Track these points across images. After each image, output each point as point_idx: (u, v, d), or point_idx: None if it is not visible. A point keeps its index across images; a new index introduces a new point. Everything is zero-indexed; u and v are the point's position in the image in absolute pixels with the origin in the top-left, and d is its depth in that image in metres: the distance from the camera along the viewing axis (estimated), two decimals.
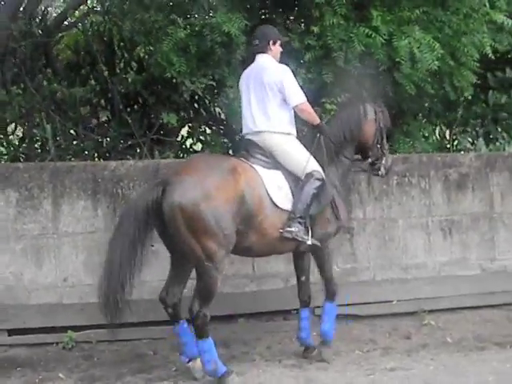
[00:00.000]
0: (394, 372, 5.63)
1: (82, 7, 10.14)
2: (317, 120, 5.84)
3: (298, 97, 5.69)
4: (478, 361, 5.87)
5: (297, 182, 5.63)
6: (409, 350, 6.23)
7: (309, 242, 5.57)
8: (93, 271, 6.53)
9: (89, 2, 10.03)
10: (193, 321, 5.30)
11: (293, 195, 5.59)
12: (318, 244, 5.65)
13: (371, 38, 7.01)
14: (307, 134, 6.03)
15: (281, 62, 5.87)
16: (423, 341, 6.51)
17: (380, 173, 6.27)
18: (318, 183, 5.58)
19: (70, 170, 6.70)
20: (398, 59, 7.06)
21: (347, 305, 6.78)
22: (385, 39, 7.01)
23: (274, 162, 5.67)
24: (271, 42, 5.82)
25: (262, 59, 5.81)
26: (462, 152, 9.05)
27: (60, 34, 9.54)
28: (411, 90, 7.37)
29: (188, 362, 5.55)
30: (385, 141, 6.23)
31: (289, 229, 5.47)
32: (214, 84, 7.65)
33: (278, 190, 5.54)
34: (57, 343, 6.40)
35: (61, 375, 5.70)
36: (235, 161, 5.63)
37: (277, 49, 5.87)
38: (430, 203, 7.64)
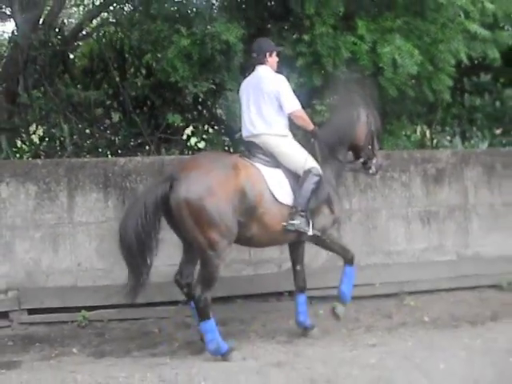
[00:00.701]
0: (376, 347, 5.62)
1: (96, 19, 10.13)
2: (311, 126, 5.79)
3: (292, 104, 5.67)
4: (452, 337, 5.86)
5: (296, 178, 5.59)
6: (389, 328, 6.23)
7: (310, 233, 5.54)
8: (104, 257, 6.60)
9: (103, 14, 10.03)
10: (195, 304, 5.29)
11: (293, 191, 5.56)
12: (319, 234, 5.64)
13: (357, 46, 7.05)
14: (301, 138, 5.94)
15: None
16: (403, 319, 6.51)
17: (371, 171, 6.21)
18: (316, 179, 5.55)
19: (83, 166, 6.73)
20: (381, 65, 7.08)
21: (335, 287, 6.77)
22: (369, 46, 7.05)
23: (274, 161, 5.63)
24: (267, 54, 5.80)
25: (260, 69, 5.79)
26: (440, 149, 9.03)
27: (76, 43, 9.58)
28: (394, 92, 7.36)
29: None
30: (375, 142, 6.17)
31: (292, 222, 5.46)
32: (215, 87, 7.65)
33: (278, 186, 5.52)
34: (72, 321, 6.44)
35: (74, 350, 5.74)
36: (236, 158, 5.63)
37: (273, 59, 5.85)
38: (410, 195, 7.67)
